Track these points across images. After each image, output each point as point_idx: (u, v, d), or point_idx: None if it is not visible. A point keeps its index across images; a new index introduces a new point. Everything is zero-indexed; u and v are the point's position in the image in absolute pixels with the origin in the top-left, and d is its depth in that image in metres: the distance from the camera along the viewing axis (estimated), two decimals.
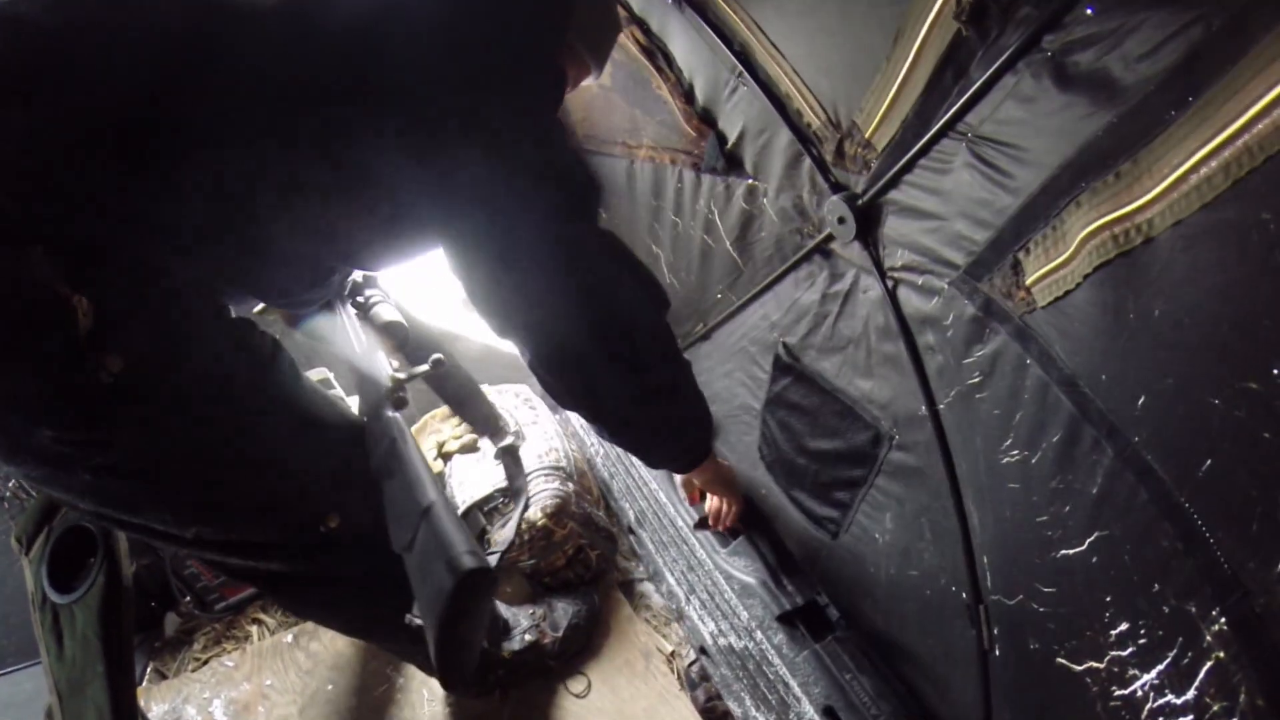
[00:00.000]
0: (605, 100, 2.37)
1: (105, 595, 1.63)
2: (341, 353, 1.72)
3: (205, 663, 2.57)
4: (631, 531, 2.79)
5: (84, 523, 1.65)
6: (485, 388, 3.05)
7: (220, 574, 1.94)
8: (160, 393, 1.25)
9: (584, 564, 2.58)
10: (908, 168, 1.43)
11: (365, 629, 1.91)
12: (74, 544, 1.67)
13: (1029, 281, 1.25)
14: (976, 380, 1.43)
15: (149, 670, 2.56)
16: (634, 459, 2.75)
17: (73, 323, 1.11)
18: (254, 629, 2.63)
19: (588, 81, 1.67)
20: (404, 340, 1.79)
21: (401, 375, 1.72)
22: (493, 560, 1.97)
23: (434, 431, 2.80)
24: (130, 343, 1.18)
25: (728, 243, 2.13)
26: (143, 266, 1.20)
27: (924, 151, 1.39)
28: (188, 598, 2.61)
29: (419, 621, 1.79)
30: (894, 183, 1.48)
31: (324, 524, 1.51)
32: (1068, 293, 1.18)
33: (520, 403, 2.96)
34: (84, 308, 1.11)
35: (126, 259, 1.18)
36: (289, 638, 2.57)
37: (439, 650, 1.43)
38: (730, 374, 2.42)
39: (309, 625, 2.57)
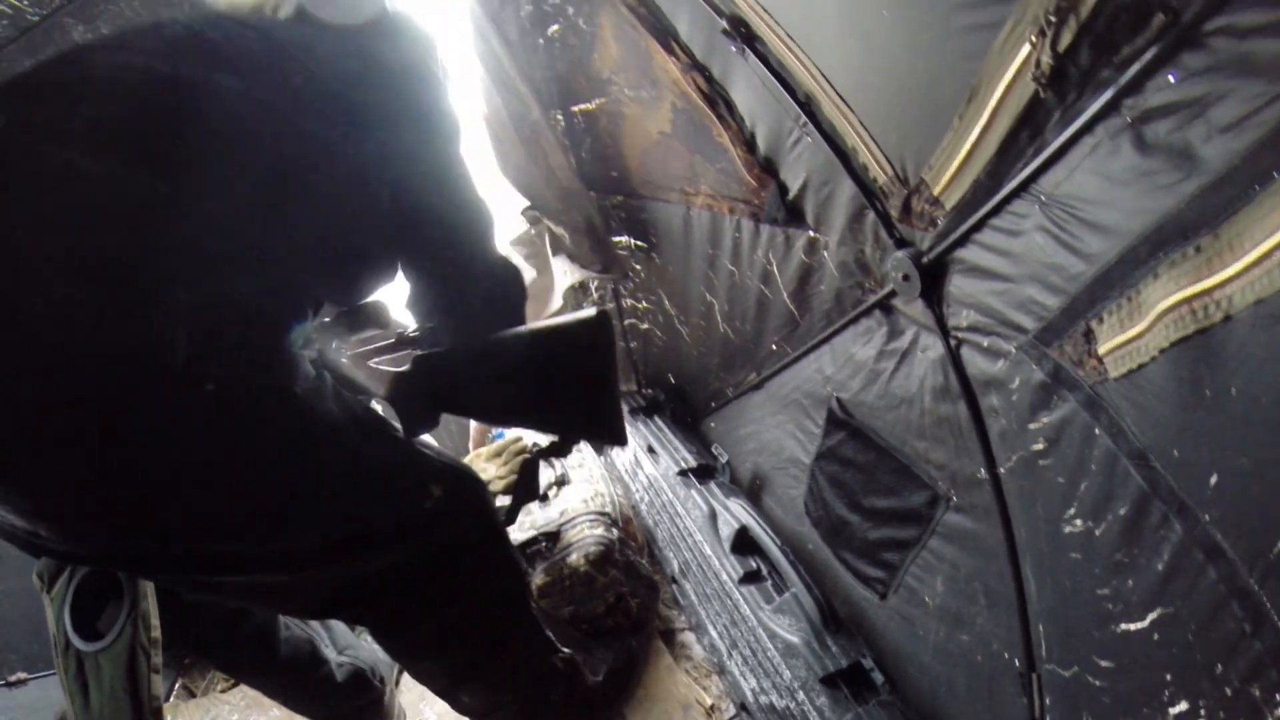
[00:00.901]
0: (664, 146, 2.39)
1: (133, 647, 1.57)
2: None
3: (235, 683, 2.58)
4: (675, 581, 2.76)
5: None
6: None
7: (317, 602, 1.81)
8: (253, 396, 1.26)
9: (624, 612, 2.54)
10: (977, 227, 1.42)
11: (474, 629, 1.78)
12: (98, 585, 1.62)
13: (1102, 351, 1.23)
14: (1041, 447, 1.41)
15: (177, 687, 2.56)
16: (680, 508, 2.74)
17: (172, 354, 1.13)
18: None
19: None
20: (388, 317, 1.84)
21: (409, 334, 1.84)
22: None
23: (480, 470, 2.80)
24: (221, 356, 1.20)
25: (785, 294, 2.13)
26: (217, 287, 1.22)
27: (995, 211, 1.37)
28: None
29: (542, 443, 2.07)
30: (962, 241, 1.47)
31: (429, 497, 1.51)
32: (1142, 365, 1.16)
33: None
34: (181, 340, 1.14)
35: (201, 283, 1.19)
36: None
37: (602, 411, 1.64)
38: (781, 425, 2.41)
39: None
